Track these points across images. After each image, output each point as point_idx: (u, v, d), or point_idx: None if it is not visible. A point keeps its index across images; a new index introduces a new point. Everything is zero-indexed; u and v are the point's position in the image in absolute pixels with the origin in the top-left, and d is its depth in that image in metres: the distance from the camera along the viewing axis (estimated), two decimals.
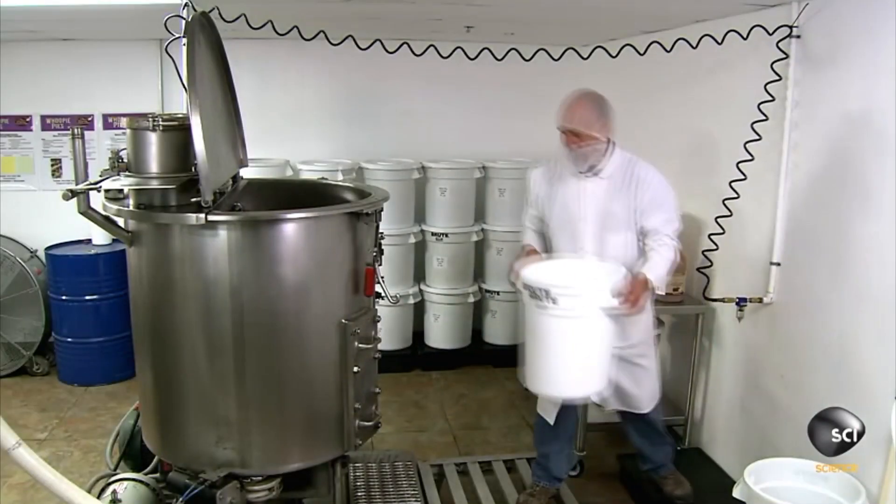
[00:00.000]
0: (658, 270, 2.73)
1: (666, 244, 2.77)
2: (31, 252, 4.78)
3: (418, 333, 5.14)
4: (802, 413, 2.52)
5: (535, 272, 2.68)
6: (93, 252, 4.64)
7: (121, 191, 2.31)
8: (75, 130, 2.32)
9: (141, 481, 2.67)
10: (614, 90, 4.68)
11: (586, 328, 2.60)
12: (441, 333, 5.05)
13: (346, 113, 5.04)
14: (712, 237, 3.30)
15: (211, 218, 2.20)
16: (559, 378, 2.72)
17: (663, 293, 2.97)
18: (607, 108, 2.80)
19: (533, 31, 4.16)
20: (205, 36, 2.55)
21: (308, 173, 4.68)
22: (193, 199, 2.25)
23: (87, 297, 4.58)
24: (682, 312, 3.68)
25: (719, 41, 3.07)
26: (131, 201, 2.34)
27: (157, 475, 2.74)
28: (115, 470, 2.95)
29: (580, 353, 2.64)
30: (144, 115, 2.35)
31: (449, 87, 4.99)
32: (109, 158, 2.43)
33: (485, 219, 5.05)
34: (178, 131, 2.34)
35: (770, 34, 2.92)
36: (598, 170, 2.84)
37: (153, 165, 2.35)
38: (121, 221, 2.42)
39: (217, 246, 2.28)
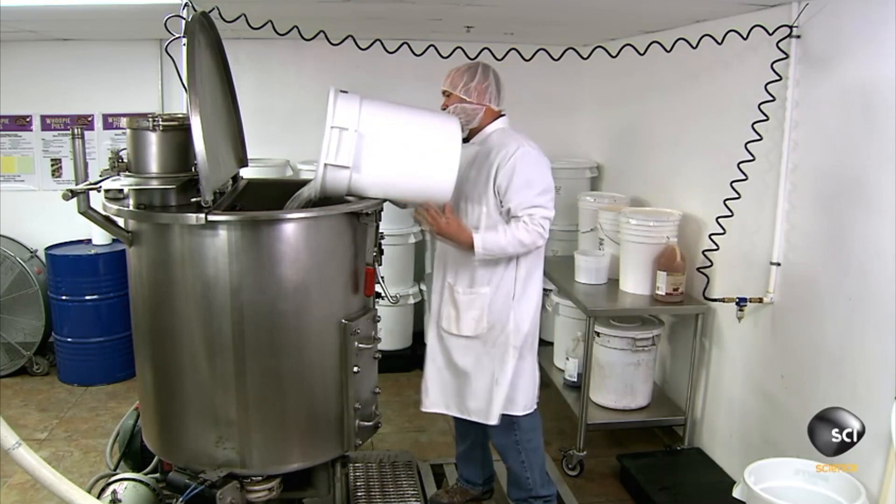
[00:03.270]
0: (487, 236, 2.65)
1: (517, 226, 2.66)
2: (31, 252, 4.78)
3: (418, 333, 5.13)
4: (802, 413, 2.52)
5: None
6: (93, 252, 4.64)
7: (121, 191, 2.31)
8: (75, 130, 2.32)
9: (141, 481, 2.67)
10: (614, 90, 4.72)
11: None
12: None
13: None
14: (713, 237, 3.29)
15: (211, 218, 2.20)
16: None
17: (481, 255, 2.69)
18: (485, 77, 2.79)
19: (533, 31, 4.16)
20: (205, 36, 2.55)
21: (308, 173, 4.66)
22: (193, 199, 2.26)
23: (87, 297, 4.57)
24: (682, 312, 3.68)
25: (719, 41, 3.07)
26: (131, 201, 2.34)
27: (157, 475, 2.74)
28: (115, 470, 2.96)
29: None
30: (144, 115, 2.35)
31: None
32: (109, 158, 2.43)
33: None
34: (178, 131, 2.34)
35: (770, 34, 2.92)
36: (471, 136, 2.83)
37: (153, 165, 2.35)
38: (121, 221, 2.42)
39: (217, 246, 2.27)
